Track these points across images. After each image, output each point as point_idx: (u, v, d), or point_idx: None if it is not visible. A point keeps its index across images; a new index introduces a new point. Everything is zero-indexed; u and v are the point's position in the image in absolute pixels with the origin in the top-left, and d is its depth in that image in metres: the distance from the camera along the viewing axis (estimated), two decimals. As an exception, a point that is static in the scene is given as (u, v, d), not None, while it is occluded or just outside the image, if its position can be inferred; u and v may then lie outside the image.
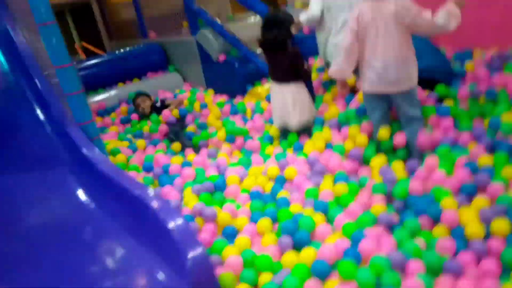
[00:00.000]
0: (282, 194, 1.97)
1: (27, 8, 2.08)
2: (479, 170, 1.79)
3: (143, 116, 3.43)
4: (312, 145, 2.34)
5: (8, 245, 1.80)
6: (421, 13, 1.99)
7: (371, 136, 2.24)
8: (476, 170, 1.80)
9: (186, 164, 2.43)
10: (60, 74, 2.15)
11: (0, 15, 2.63)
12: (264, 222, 1.78)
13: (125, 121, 3.50)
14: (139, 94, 3.61)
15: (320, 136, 2.36)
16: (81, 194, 2.02)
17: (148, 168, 2.53)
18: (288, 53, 2.42)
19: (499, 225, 1.50)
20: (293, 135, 2.49)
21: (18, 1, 2.29)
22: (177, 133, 3.04)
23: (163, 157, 2.60)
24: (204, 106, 3.44)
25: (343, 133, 2.33)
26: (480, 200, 1.64)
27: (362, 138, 2.19)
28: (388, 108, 2.22)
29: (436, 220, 1.66)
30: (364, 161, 2.14)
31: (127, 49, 4.65)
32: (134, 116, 3.47)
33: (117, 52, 4.61)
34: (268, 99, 2.88)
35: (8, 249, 1.77)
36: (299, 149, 2.38)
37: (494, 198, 1.65)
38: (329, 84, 2.91)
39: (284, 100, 2.44)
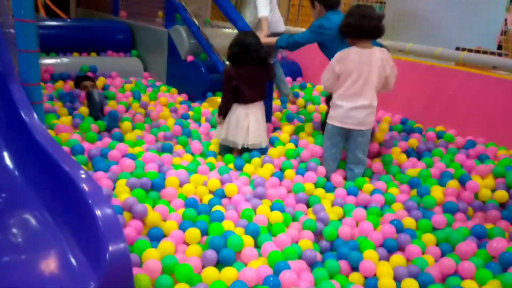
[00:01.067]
0: (217, 208, 1.95)
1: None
2: (403, 230, 1.92)
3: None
4: (253, 167, 2.38)
5: None
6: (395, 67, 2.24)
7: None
8: (400, 229, 1.91)
9: (130, 156, 2.34)
10: (19, 28, 2.01)
11: None
12: (193, 232, 1.75)
13: (65, 96, 3.29)
14: (86, 78, 3.45)
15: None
16: (6, 157, 1.87)
17: (79, 150, 2.35)
18: (264, 67, 2.55)
19: (410, 284, 1.59)
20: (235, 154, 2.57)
21: None
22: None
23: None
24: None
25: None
26: (398, 258, 1.75)
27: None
28: (342, 148, 2.38)
29: (354, 267, 1.73)
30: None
31: (93, 20, 4.45)
32: (83, 97, 3.28)
33: (82, 20, 4.39)
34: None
35: None
36: (240, 167, 2.41)
37: (410, 259, 1.77)
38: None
39: (246, 121, 2.48)
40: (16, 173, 1.82)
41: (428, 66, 3.21)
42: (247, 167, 2.37)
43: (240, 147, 2.51)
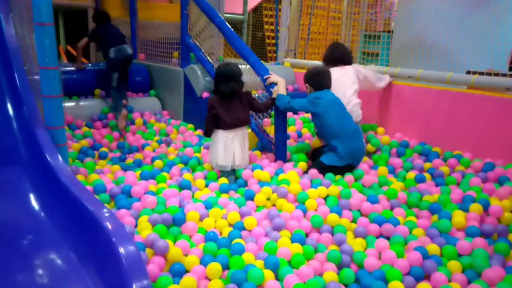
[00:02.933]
0: (238, 241, 1.96)
1: (29, 3, 2.08)
2: (428, 257, 1.88)
3: None
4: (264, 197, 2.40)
5: None
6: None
7: None
8: (426, 256, 1.88)
9: (151, 193, 2.38)
10: (43, 75, 2.12)
11: (-4, 3, 2.61)
12: (214, 267, 1.75)
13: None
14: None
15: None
16: (32, 199, 1.94)
17: (101, 189, 2.41)
18: (244, 96, 2.76)
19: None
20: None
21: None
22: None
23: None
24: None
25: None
26: (425, 286, 1.71)
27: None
28: None
29: (380, 298, 1.70)
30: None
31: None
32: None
33: (101, 64, 4.59)
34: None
35: None
36: (250, 197, 2.42)
37: (436, 287, 1.73)
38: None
39: (233, 143, 2.70)
40: (42, 214, 1.88)
41: (440, 91, 3.22)
42: (258, 197, 2.39)
43: (229, 169, 2.72)
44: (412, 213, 2.32)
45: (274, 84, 2.86)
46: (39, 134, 2.12)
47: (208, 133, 2.78)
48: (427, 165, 2.91)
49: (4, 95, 2.36)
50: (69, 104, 3.90)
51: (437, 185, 2.64)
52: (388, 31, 5.19)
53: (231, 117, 2.69)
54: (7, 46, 2.46)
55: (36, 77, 2.24)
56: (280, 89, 2.82)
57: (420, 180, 2.69)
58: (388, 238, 2.09)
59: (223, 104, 2.69)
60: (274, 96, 2.84)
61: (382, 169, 2.81)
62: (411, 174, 2.76)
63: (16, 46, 2.49)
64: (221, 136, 2.71)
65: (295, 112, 2.82)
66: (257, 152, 3.06)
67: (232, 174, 2.76)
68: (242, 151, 2.75)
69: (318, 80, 2.89)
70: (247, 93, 2.82)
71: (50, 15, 2.07)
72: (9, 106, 2.32)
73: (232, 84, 2.67)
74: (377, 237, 2.11)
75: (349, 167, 2.81)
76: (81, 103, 4.02)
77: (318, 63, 4.62)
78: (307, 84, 2.95)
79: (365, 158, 3.04)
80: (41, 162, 2.03)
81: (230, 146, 2.70)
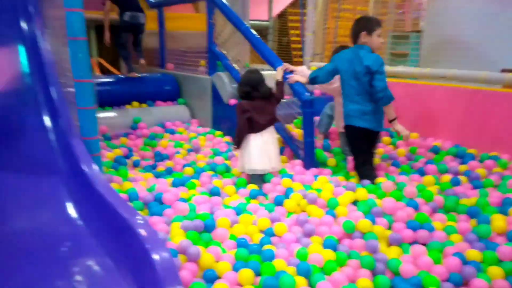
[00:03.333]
0: (268, 247, 1.96)
1: (63, 18, 2.17)
2: (467, 263, 1.81)
3: None
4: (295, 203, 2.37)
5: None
6: None
7: None
8: (464, 262, 1.82)
9: (182, 200, 2.42)
10: (78, 87, 2.21)
11: (33, 20, 2.73)
12: (246, 273, 1.75)
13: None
14: None
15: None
16: (69, 208, 2.00)
17: (135, 196, 2.46)
18: (275, 97, 2.85)
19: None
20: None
21: (56, 10, 2.38)
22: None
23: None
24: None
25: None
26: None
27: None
28: None
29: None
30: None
31: (143, 74, 4.77)
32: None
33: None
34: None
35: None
36: (279, 202, 2.41)
37: (477, 293, 1.66)
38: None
39: (267, 145, 2.75)
40: (79, 222, 1.94)
41: (474, 90, 3.12)
42: (288, 203, 2.38)
43: (267, 172, 2.73)
44: (451, 217, 2.23)
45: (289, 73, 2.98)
46: (74, 145, 2.19)
47: (239, 141, 2.77)
48: (463, 167, 2.81)
49: (41, 108, 2.46)
50: (102, 115, 4.03)
51: (474, 188, 2.54)
52: (417, 31, 5.09)
53: (264, 118, 2.75)
54: (43, 60, 2.56)
55: (71, 89, 2.33)
56: (297, 77, 2.92)
57: (455, 183, 2.60)
58: (424, 244, 2.03)
59: (256, 107, 2.74)
60: (291, 81, 2.93)
61: (428, 178, 2.66)
62: (446, 177, 2.67)
63: (52, 60, 2.59)
64: (255, 140, 2.73)
65: (317, 79, 2.82)
66: (283, 157, 3.06)
67: (260, 179, 2.75)
68: (276, 153, 2.79)
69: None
70: (270, 89, 2.86)
71: (83, 29, 2.16)
72: (46, 119, 2.42)
73: (264, 87, 2.76)
74: (411, 243, 2.05)
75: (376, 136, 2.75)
76: (114, 114, 4.14)
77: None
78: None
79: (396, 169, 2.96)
80: (77, 172, 2.10)
81: (265, 148, 2.73)
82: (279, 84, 2.91)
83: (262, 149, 2.72)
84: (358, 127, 2.62)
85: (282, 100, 2.92)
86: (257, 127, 2.74)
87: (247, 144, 2.75)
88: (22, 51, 2.63)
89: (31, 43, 2.66)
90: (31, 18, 2.74)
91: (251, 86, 2.75)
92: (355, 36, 2.65)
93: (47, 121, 2.41)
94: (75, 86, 2.21)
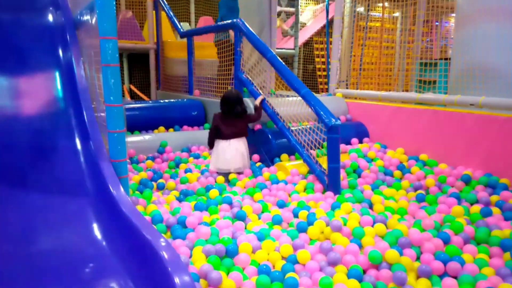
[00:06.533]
0: (291, 275, 1.92)
1: (97, 47, 2.27)
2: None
3: None
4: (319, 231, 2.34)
5: (11, 262, 1.80)
6: None
7: None
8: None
9: (205, 223, 2.43)
10: (109, 112, 2.28)
11: (69, 48, 2.88)
12: (268, 301, 1.72)
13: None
14: None
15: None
16: (95, 229, 2.04)
17: (159, 219, 2.48)
18: (246, 117, 3.55)
19: None
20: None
21: (91, 39, 2.51)
22: None
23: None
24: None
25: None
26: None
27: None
28: None
29: None
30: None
31: (171, 100, 4.91)
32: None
33: (161, 101, 4.86)
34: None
35: (10, 267, 1.77)
36: (302, 229, 2.37)
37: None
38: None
39: (233, 151, 3.37)
40: (104, 243, 1.97)
41: (506, 118, 3.03)
42: (311, 230, 2.34)
43: (228, 171, 3.36)
44: (483, 249, 2.13)
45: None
46: (103, 167, 2.25)
47: (209, 143, 3.52)
48: (494, 197, 2.70)
49: (74, 131, 2.56)
50: (131, 139, 4.13)
51: (506, 220, 2.43)
52: (446, 58, 5.03)
53: (230, 130, 3.42)
54: (77, 86, 2.69)
55: (102, 114, 2.42)
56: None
57: (486, 213, 2.50)
58: (454, 277, 1.93)
59: (226, 120, 3.43)
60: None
61: (457, 209, 2.55)
62: (476, 208, 2.57)
63: (85, 86, 2.71)
64: (222, 145, 3.41)
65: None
66: (302, 182, 3.08)
67: (226, 176, 3.35)
68: (239, 158, 3.37)
69: None
70: (245, 109, 3.53)
71: (116, 57, 2.25)
72: (77, 141, 2.51)
73: (238, 107, 3.44)
74: (440, 276, 1.97)
75: None
76: (142, 138, 4.24)
77: (371, 92, 4.56)
78: None
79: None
80: (104, 193, 2.15)
81: (230, 152, 3.36)
82: (257, 108, 3.63)
83: (226, 152, 3.36)
84: None
85: (260, 120, 3.67)
86: (223, 135, 3.40)
87: (216, 148, 3.45)
88: (58, 76, 2.77)
89: (67, 70, 2.81)
90: (68, 46, 2.90)
91: (227, 105, 3.43)
92: None
93: (78, 143, 2.50)
94: (106, 111, 2.29)
